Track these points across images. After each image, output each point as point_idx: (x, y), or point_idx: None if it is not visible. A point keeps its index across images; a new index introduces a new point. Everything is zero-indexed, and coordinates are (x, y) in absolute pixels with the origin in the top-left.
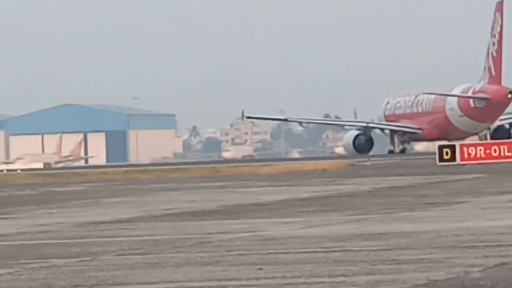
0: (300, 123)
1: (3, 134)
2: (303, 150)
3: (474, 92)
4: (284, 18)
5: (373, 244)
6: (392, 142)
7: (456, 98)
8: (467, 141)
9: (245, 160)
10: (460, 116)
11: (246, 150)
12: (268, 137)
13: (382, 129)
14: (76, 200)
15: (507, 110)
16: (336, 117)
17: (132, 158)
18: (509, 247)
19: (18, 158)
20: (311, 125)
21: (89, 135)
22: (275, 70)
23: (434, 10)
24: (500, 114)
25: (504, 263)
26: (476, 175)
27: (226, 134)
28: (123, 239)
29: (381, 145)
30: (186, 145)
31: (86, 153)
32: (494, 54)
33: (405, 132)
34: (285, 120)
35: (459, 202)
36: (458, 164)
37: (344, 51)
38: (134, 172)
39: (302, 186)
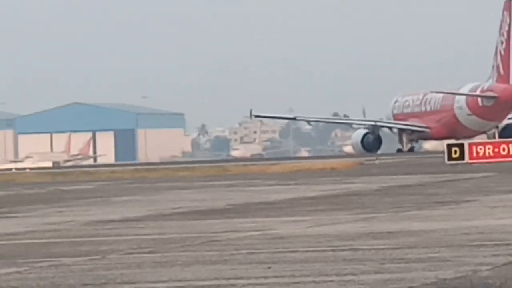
0: (308, 121)
1: (12, 133)
2: (312, 148)
3: (482, 91)
4: (290, 18)
5: (382, 242)
6: (401, 141)
7: (464, 97)
8: (476, 139)
9: (253, 158)
10: (469, 114)
11: (254, 149)
12: (276, 135)
13: (390, 128)
14: (85, 198)
15: None
16: (345, 115)
17: (141, 157)
18: None
19: (27, 157)
20: (319, 124)
21: (98, 134)
22: (284, 69)
23: (434, 10)
24: (509, 112)
25: None
26: (485, 174)
27: (235, 133)
28: (132, 237)
29: (390, 143)
30: (195, 144)
31: (94, 152)
32: (502, 52)
33: (413, 131)
34: (294, 119)
35: (467, 201)
36: (467, 163)
37: (348, 50)
38: (143, 171)
39: (311, 184)
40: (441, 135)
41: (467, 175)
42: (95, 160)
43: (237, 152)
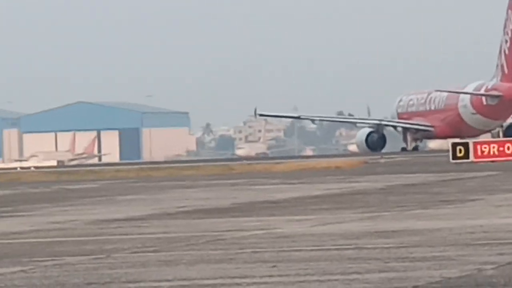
0: (312, 120)
1: (17, 131)
2: (317, 147)
3: (486, 90)
4: (296, 17)
5: (386, 241)
6: (405, 140)
7: (468, 96)
8: (480, 138)
9: (258, 157)
10: (473, 113)
11: (259, 148)
12: (281, 134)
13: (394, 127)
14: (90, 197)
15: None
16: (350, 114)
17: (146, 156)
18: None
19: (32, 156)
20: (324, 122)
21: (102, 133)
22: (289, 68)
23: (434, 10)
24: None
25: None
26: (490, 173)
27: (240, 132)
28: (137, 236)
29: (394, 142)
30: (200, 142)
31: (99, 151)
32: (507, 51)
33: (417, 130)
34: (298, 117)
35: (472, 200)
36: (472, 162)
37: (353, 49)
38: (148, 170)
39: (315, 183)
40: (446, 134)
41: (472, 174)
42: (99, 159)
43: (242, 151)
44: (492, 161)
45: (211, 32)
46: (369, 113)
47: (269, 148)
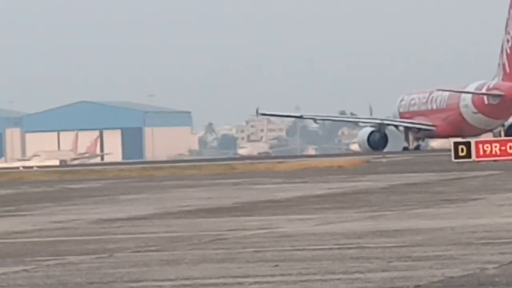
0: (314, 120)
1: (19, 131)
2: (319, 147)
3: (488, 89)
4: (298, 16)
5: (389, 240)
6: (407, 139)
7: (470, 95)
8: (482, 138)
9: (260, 157)
10: (474, 113)
11: (261, 147)
12: (283, 134)
13: (396, 126)
14: (92, 197)
15: None
16: (352, 114)
17: (148, 155)
18: None
19: (34, 155)
20: (326, 122)
21: (105, 132)
22: (291, 67)
23: (434, 10)
24: None
25: None
26: (492, 172)
27: (242, 131)
28: (139, 236)
29: (396, 142)
30: (202, 142)
31: (102, 150)
32: (508, 51)
33: (419, 129)
34: (300, 117)
35: (474, 199)
36: (474, 161)
37: (355, 49)
38: (150, 169)
39: (318, 183)
40: (447, 133)
41: (474, 173)
42: (102, 158)
43: (244, 150)
44: (494, 161)
45: (214, 31)
46: (371, 113)
47: (271, 147)
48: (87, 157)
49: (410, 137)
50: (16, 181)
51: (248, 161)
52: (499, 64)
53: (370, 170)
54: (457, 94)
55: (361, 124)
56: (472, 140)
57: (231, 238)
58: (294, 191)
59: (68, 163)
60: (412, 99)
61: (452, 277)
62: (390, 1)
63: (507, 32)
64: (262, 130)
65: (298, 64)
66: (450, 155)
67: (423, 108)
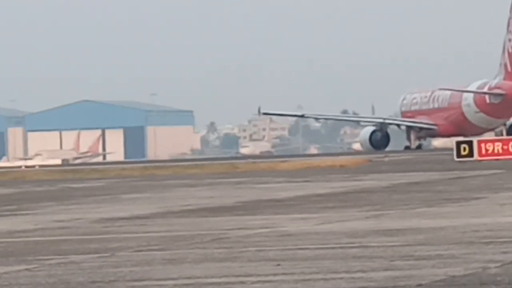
0: (316, 119)
1: (21, 130)
2: (321, 146)
3: (490, 88)
4: (299, 16)
5: (391, 240)
6: (408, 138)
7: (472, 94)
8: (484, 137)
9: (263, 156)
10: (476, 112)
11: (264, 146)
12: (286, 133)
13: (398, 125)
14: (94, 196)
15: None
16: (354, 113)
17: (150, 154)
18: None
19: (36, 154)
20: (329, 121)
21: (107, 131)
22: (293, 66)
23: (434, 10)
24: None
25: None
26: (494, 171)
27: (244, 130)
28: (141, 235)
29: (397, 141)
30: (204, 141)
31: (104, 149)
32: (510, 50)
33: (421, 128)
34: (302, 116)
35: (476, 198)
36: (476, 160)
37: (357, 48)
38: (152, 168)
39: (320, 182)
40: (449, 132)
41: (476, 172)
42: (104, 157)
43: (246, 149)
44: (496, 160)
45: (216, 31)
46: (373, 112)
47: (273, 146)
48: (89, 156)
49: (412, 136)
50: (18, 180)
51: (250, 160)
52: (500, 64)
53: (372, 169)
54: (459, 93)
55: (362, 123)
56: (475, 139)
57: (233, 237)
58: (296, 190)
59: (70, 162)
60: (414, 98)
61: (454, 276)
62: (390, 1)
63: (508, 32)
64: (264, 129)
65: (300, 63)
66: (452, 154)
67: (425, 107)
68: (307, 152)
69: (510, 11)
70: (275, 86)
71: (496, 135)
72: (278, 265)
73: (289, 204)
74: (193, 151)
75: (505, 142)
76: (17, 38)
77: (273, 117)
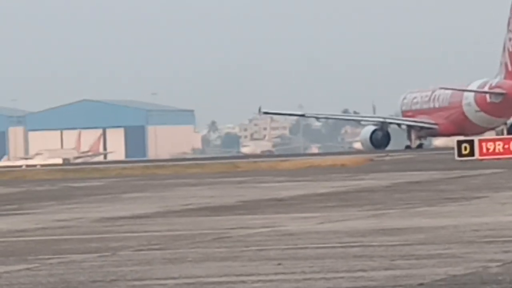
0: (317, 118)
1: (22, 129)
2: (322, 145)
3: (490, 87)
4: (300, 15)
5: (392, 239)
6: (409, 138)
7: (472, 94)
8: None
9: (264, 155)
10: (477, 111)
11: (265, 146)
12: (286, 132)
13: (399, 125)
14: (95, 195)
15: None
16: (355, 112)
17: (151, 154)
18: None
19: (37, 154)
20: (329, 120)
21: (108, 131)
22: (294, 65)
23: (434, 10)
24: None
25: None
26: (495, 170)
27: (245, 130)
28: (142, 234)
29: (398, 140)
30: (205, 140)
31: (105, 149)
32: (510, 49)
33: (421, 128)
34: (303, 115)
35: (477, 197)
36: (477, 159)
37: (358, 47)
38: (153, 168)
39: (321, 181)
40: (450, 131)
41: (477, 172)
42: (105, 157)
43: (247, 148)
44: (497, 159)
45: (217, 30)
46: (374, 111)
47: (274, 146)
48: (90, 156)
49: (413, 135)
50: (19, 179)
51: (251, 159)
52: (501, 63)
53: (373, 168)
54: (460, 92)
55: (363, 122)
56: (476, 139)
57: (234, 236)
58: (297, 190)
59: (71, 161)
60: (415, 97)
61: (455, 276)
62: (390, 1)
63: (509, 31)
64: (265, 129)
65: (301, 62)
66: (453, 154)
67: (425, 106)
68: (308, 151)
69: (510, 11)
70: (276, 86)
71: (497, 134)
72: (279, 264)
73: (290, 204)
74: (194, 150)
75: (506, 141)
76: (18, 38)
77: (274, 116)
